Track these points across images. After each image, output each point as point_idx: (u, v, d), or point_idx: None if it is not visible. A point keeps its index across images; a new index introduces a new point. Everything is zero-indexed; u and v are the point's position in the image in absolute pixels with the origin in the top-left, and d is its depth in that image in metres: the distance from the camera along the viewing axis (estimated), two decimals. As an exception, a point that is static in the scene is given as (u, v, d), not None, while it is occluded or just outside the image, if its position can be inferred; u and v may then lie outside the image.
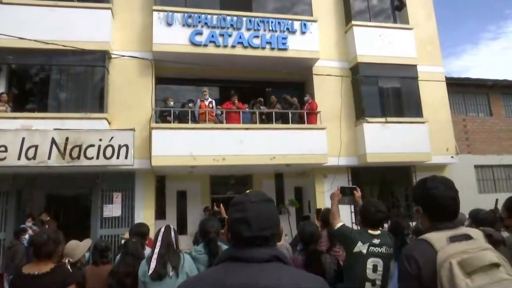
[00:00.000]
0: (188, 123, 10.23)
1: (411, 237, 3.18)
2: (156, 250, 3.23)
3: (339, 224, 3.42)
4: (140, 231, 4.32)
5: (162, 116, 10.51)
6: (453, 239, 1.75)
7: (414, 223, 8.75)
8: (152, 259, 3.18)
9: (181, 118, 10.37)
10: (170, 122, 10.11)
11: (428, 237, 1.81)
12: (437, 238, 1.77)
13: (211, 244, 3.55)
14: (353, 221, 10.34)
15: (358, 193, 3.85)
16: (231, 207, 1.44)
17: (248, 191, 1.51)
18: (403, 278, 1.82)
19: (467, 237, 1.77)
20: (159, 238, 3.32)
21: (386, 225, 5.07)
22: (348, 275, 3.31)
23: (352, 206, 7.25)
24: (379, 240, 3.22)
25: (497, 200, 3.59)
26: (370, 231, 3.27)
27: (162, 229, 3.40)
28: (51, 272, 2.85)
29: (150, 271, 3.12)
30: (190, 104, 10.77)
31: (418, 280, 1.73)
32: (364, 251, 3.17)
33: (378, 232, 3.29)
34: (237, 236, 1.36)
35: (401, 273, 1.83)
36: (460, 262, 1.64)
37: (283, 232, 7.11)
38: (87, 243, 4.10)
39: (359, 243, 3.19)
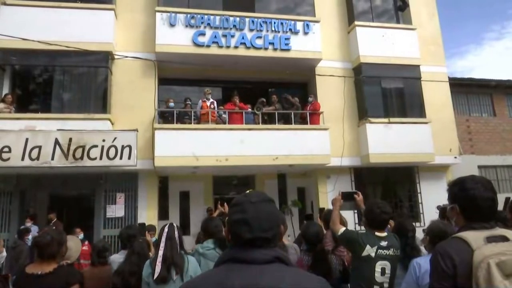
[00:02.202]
0: (186, 123, 10.25)
1: (424, 237, 3.16)
2: (160, 253, 3.17)
3: (341, 230, 3.37)
4: (128, 234, 4.18)
5: (163, 117, 10.51)
6: (490, 240, 1.74)
7: (417, 223, 8.72)
8: (157, 262, 3.13)
9: (180, 118, 10.37)
10: (171, 123, 10.12)
11: (464, 235, 1.80)
12: (474, 237, 1.77)
13: (222, 243, 3.54)
14: (356, 221, 10.33)
15: (359, 197, 3.84)
16: (231, 208, 1.43)
17: (248, 191, 1.49)
18: (437, 276, 1.80)
19: (504, 239, 1.76)
20: (163, 239, 3.25)
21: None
22: (355, 278, 3.27)
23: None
24: (386, 243, 3.18)
25: (508, 198, 3.56)
26: (377, 233, 3.22)
27: (166, 229, 3.32)
28: (54, 272, 2.85)
29: (155, 276, 3.07)
30: (188, 102, 10.77)
31: (453, 278, 1.72)
32: (373, 254, 3.12)
33: (384, 234, 3.26)
34: (238, 237, 1.34)
35: (436, 271, 1.81)
36: (499, 264, 1.63)
37: (287, 233, 7.10)
38: (77, 241, 4.10)
39: (368, 247, 3.14)
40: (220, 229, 3.63)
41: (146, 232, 6.13)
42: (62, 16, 9.85)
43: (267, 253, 1.31)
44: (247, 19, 10.82)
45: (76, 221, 11.38)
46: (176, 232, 3.31)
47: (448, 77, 13.03)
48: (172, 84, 11.89)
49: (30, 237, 7.74)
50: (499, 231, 1.82)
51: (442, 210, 5.79)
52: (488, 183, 1.93)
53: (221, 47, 10.56)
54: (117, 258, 3.95)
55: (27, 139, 8.74)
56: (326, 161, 10.56)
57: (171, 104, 10.52)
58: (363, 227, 3.56)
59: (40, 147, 8.75)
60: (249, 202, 1.38)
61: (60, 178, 9.97)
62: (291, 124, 10.77)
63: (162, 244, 3.22)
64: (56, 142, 8.85)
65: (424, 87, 11.91)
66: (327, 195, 10.79)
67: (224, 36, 10.61)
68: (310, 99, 11.26)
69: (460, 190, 1.95)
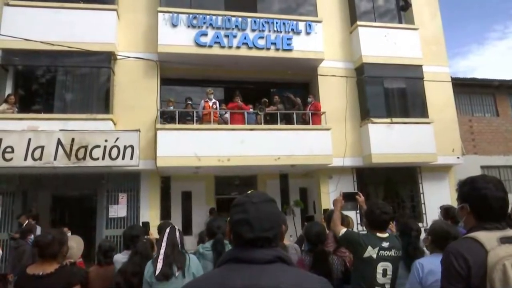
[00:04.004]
0: (188, 123, 10.25)
1: (425, 237, 3.15)
2: (162, 251, 3.22)
3: (342, 231, 3.36)
4: (131, 235, 4.15)
5: (164, 118, 10.50)
6: (503, 241, 1.72)
7: (420, 224, 8.71)
8: (158, 260, 3.17)
9: (182, 118, 10.38)
10: (172, 124, 10.12)
11: (477, 236, 1.77)
12: (487, 238, 1.74)
13: (218, 244, 3.57)
14: (358, 222, 10.30)
15: (361, 198, 3.82)
16: (232, 208, 1.42)
17: (249, 191, 1.49)
18: (450, 277, 1.76)
19: None
20: (165, 238, 3.30)
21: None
22: (356, 279, 3.25)
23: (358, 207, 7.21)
24: (388, 244, 3.17)
25: None
26: (378, 234, 3.20)
27: (167, 230, 3.39)
28: (55, 273, 2.85)
29: (157, 272, 3.11)
30: (189, 102, 10.78)
31: (466, 279, 1.70)
32: (374, 255, 3.10)
33: (386, 235, 3.24)
34: (239, 237, 1.35)
35: (448, 271, 1.78)
36: None
37: (289, 233, 7.10)
38: (79, 240, 4.10)
39: (369, 248, 3.12)
40: (222, 230, 3.63)
41: (149, 230, 6.12)
42: (64, 17, 9.87)
43: (268, 253, 1.31)
44: (249, 19, 10.82)
45: (78, 221, 11.45)
46: (177, 233, 3.38)
47: (451, 77, 12.99)
48: (174, 84, 11.91)
49: (32, 236, 7.75)
50: (511, 232, 1.80)
51: (445, 210, 5.76)
52: (499, 183, 1.91)
53: (223, 47, 10.56)
54: (120, 258, 3.96)
55: (29, 139, 8.76)
56: (328, 161, 10.54)
57: (171, 107, 10.54)
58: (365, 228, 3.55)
59: (42, 147, 8.77)
60: (251, 202, 1.38)
61: (62, 178, 9.99)
62: (293, 124, 10.76)
63: (163, 244, 3.27)
64: (59, 142, 8.87)
65: (427, 87, 11.88)
66: (329, 196, 10.78)
67: (226, 36, 10.60)
68: (309, 99, 11.25)
69: (471, 189, 1.92)
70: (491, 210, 1.83)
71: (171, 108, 10.55)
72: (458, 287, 1.72)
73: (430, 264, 2.74)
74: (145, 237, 4.49)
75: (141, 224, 8.99)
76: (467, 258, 1.71)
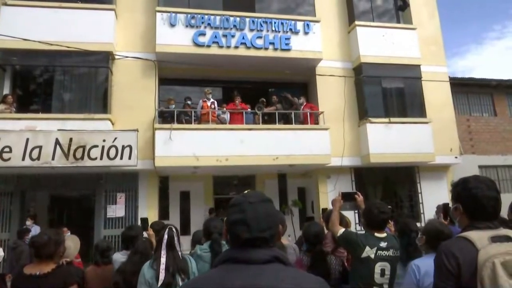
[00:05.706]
0: (186, 123, 10.25)
1: (420, 237, 3.15)
2: (163, 260, 3.10)
3: (341, 231, 3.36)
4: (130, 235, 4.14)
5: (162, 117, 10.48)
6: (494, 239, 1.75)
7: (418, 223, 8.71)
8: (160, 270, 3.06)
9: (180, 118, 10.37)
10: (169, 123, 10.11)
11: (468, 235, 1.81)
12: (478, 237, 1.77)
13: (215, 245, 3.56)
14: (357, 221, 10.31)
15: (360, 198, 3.82)
16: (229, 208, 1.42)
17: (246, 191, 1.49)
18: (441, 275, 1.80)
19: (508, 239, 1.76)
20: (163, 246, 3.18)
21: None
22: (355, 279, 3.25)
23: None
24: (386, 243, 3.16)
25: None
26: (376, 234, 3.20)
27: (165, 236, 3.24)
28: (52, 273, 2.85)
29: (160, 283, 3.01)
30: (188, 102, 10.77)
31: (457, 277, 1.73)
32: (373, 255, 3.10)
33: (384, 234, 3.23)
34: (236, 237, 1.34)
35: (440, 270, 1.81)
36: (504, 263, 1.64)
37: (287, 233, 7.10)
38: (76, 239, 4.10)
39: (367, 248, 3.11)
40: (218, 230, 3.62)
41: (148, 226, 6.06)
42: (62, 16, 9.86)
43: (266, 253, 1.31)
44: (247, 19, 10.81)
45: (76, 221, 11.44)
46: (175, 238, 3.25)
47: (449, 77, 13.02)
48: (173, 84, 11.89)
49: (29, 237, 7.74)
50: (503, 231, 1.82)
51: (444, 208, 5.77)
52: (492, 183, 1.94)
53: (221, 47, 10.55)
54: (119, 257, 3.95)
55: (27, 139, 8.74)
56: (327, 161, 10.55)
57: (172, 106, 10.52)
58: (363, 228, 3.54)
59: (40, 147, 8.75)
60: (248, 202, 1.37)
61: (60, 178, 9.97)
62: (291, 124, 10.77)
63: (163, 252, 3.16)
64: (57, 142, 8.85)
65: (425, 87, 11.89)
66: (327, 195, 10.78)
67: (225, 36, 10.60)
68: (300, 101, 11.24)
69: (464, 189, 1.95)
70: (483, 209, 1.86)
71: (172, 107, 10.53)
72: (450, 285, 1.75)
73: (426, 265, 2.72)
74: (144, 237, 4.48)
75: (139, 219, 8.99)
76: (457, 257, 1.74)
